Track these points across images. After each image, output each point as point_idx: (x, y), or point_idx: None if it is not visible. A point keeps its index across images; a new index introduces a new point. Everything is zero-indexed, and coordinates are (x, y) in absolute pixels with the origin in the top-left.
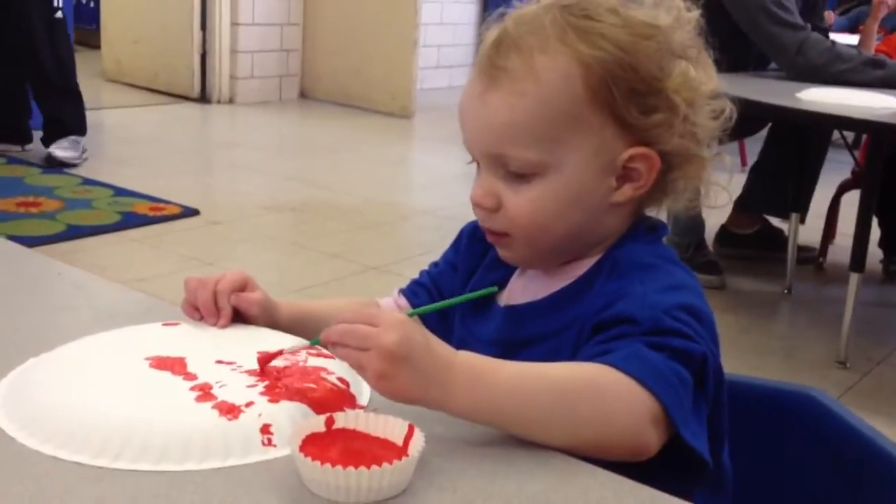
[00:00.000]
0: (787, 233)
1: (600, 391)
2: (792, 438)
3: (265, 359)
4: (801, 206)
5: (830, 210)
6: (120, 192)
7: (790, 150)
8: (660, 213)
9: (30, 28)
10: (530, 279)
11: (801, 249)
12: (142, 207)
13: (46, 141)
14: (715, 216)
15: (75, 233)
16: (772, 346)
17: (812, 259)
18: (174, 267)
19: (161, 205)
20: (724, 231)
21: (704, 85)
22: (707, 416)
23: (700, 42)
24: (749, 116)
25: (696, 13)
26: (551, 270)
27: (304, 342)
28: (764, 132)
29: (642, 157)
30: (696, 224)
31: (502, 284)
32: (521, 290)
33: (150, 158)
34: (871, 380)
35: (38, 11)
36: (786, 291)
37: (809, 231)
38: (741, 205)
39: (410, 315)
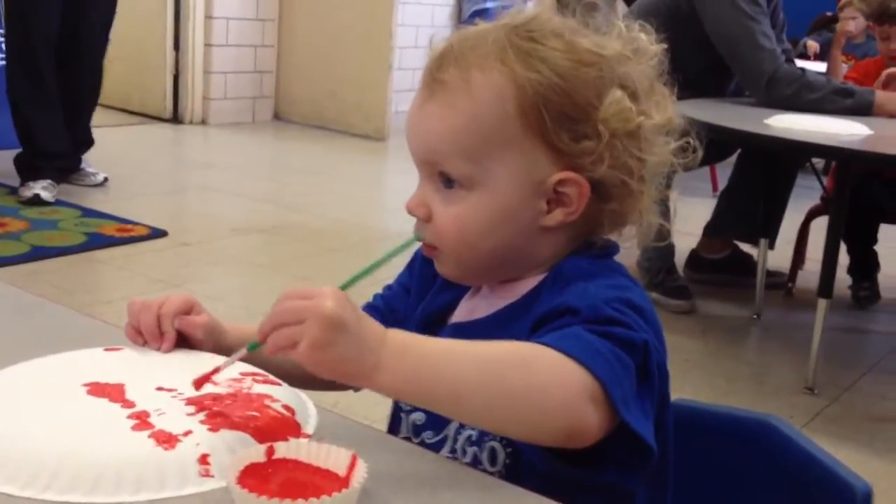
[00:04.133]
0: (756, 258)
1: (529, 363)
2: (751, 466)
3: (200, 381)
4: (770, 232)
5: (800, 235)
6: (88, 212)
7: (759, 175)
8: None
9: (94, 62)
10: (479, 299)
11: (771, 275)
12: (109, 229)
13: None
14: (685, 241)
15: (40, 253)
16: (741, 371)
17: (781, 284)
18: (141, 289)
19: (129, 226)
20: (694, 256)
21: (648, 118)
22: (653, 407)
23: (655, 75)
24: (718, 142)
25: (658, 47)
26: (498, 290)
27: (242, 352)
28: (734, 157)
29: (572, 182)
30: (666, 249)
31: (453, 306)
32: (470, 310)
33: (122, 179)
34: (839, 406)
35: (100, 46)
36: (755, 316)
37: (779, 256)
38: (711, 230)
39: (342, 288)
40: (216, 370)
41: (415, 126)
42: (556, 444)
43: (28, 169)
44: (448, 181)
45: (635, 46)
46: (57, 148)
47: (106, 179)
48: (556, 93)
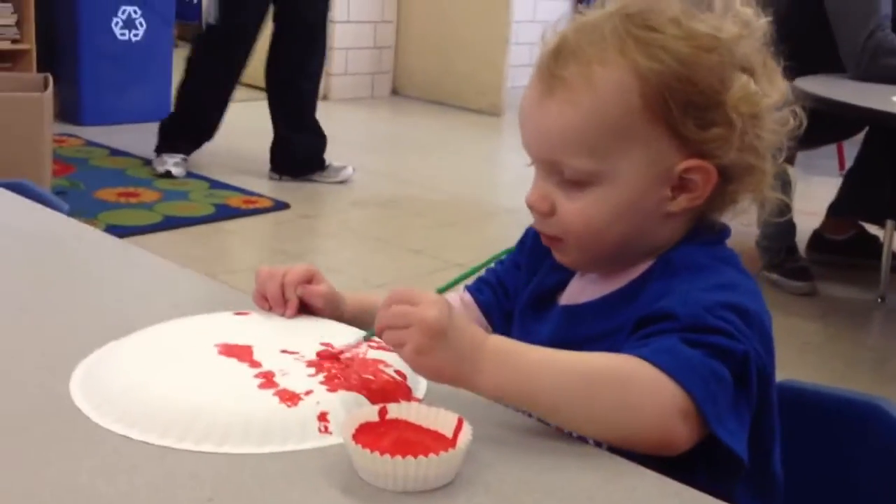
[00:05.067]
0: (882, 240)
1: (624, 380)
2: (858, 449)
3: (326, 356)
4: None
5: None
6: (216, 184)
7: (887, 154)
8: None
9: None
10: (589, 281)
11: None
12: (235, 200)
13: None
14: (808, 221)
15: (171, 223)
16: (861, 355)
17: None
18: (263, 259)
19: (254, 198)
20: (816, 236)
21: (768, 97)
22: (752, 416)
23: (767, 51)
24: (845, 120)
25: (764, 21)
26: (608, 273)
27: (360, 335)
28: (862, 135)
29: (699, 169)
30: (787, 229)
31: (563, 285)
32: (579, 291)
33: (247, 153)
34: None
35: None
36: (879, 300)
37: None
38: (835, 210)
39: (440, 291)
40: (341, 351)
41: (533, 123)
42: (647, 452)
43: (168, 138)
44: (571, 177)
45: (743, 24)
46: (204, 124)
47: (354, 171)
48: (680, 81)
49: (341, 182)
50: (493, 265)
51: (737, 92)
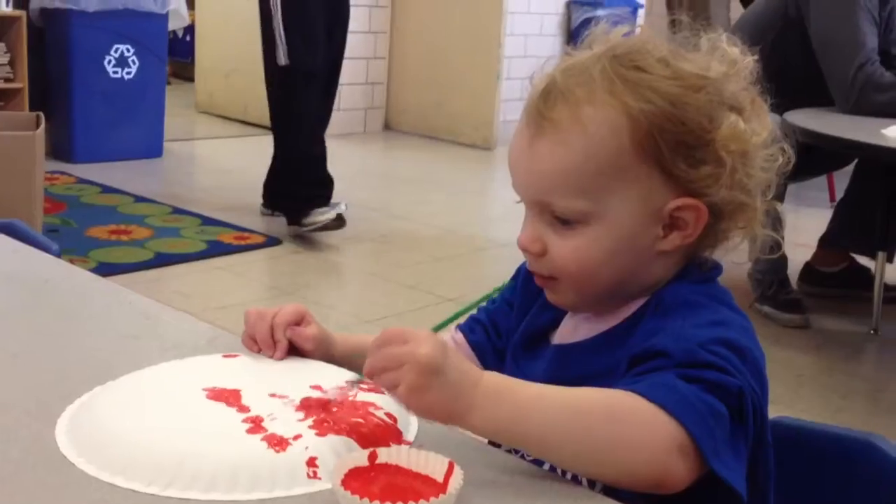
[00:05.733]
0: (873, 271)
1: (619, 416)
2: (848, 485)
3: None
4: (888, 244)
5: None
6: (207, 221)
7: (877, 185)
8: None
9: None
10: (581, 320)
11: (889, 289)
12: (227, 237)
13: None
14: (800, 253)
15: (163, 260)
16: (856, 387)
17: None
18: (256, 295)
19: (246, 234)
20: (808, 269)
21: (757, 135)
22: (748, 454)
23: (754, 89)
24: (834, 152)
25: (750, 59)
26: (601, 312)
27: (350, 377)
28: (852, 166)
29: (690, 208)
30: (779, 261)
31: (555, 324)
32: (571, 330)
33: (239, 188)
34: None
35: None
36: (872, 332)
37: None
38: (827, 242)
39: (434, 330)
40: (329, 401)
41: (523, 165)
42: (644, 491)
43: (305, 198)
44: (562, 217)
45: (731, 59)
46: (327, 174)
47: (346, 207)
48: (670, 121)
49: None
50: (484, 304)
51: (726, 130)
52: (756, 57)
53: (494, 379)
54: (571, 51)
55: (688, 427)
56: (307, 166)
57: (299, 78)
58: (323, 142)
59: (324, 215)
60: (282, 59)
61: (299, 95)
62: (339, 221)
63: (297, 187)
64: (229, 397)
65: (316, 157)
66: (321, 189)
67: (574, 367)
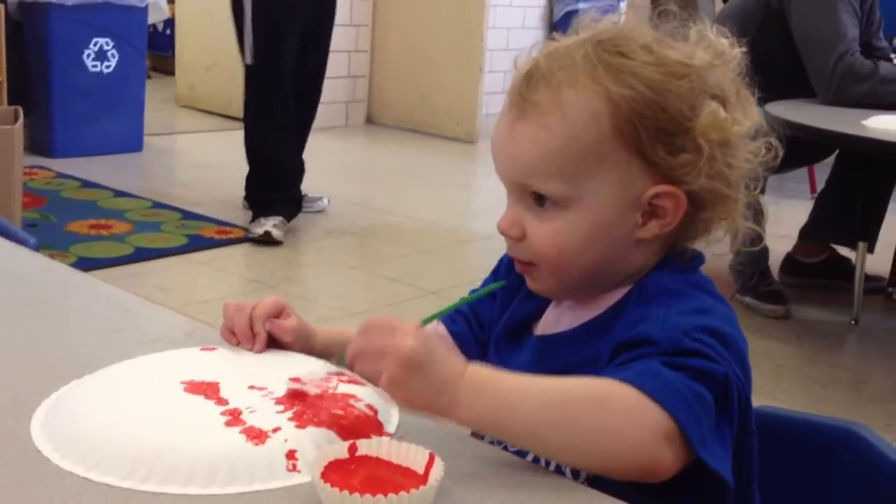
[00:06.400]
0: (854, 262)
1: (604, 404)
2: (831, 476)
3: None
4: (869, 235)
5: None
6: (188, 215)
7: (858, 176)
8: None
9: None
10: (564, 310)
11: (869, 279)
12: (208, 231)
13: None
14: (780, 244)
15: (143, 255)
16: (837, 377)
17: (880, 289)
18: (237, 289)
19: (227, 228)
20: (789, 259)
21: (740, 126)
22: (733, 440)
23: (741, 81)
24: (816, 143)
25: (739, 51)
26: (584, 301)
27: (330, 368)
28: (832, 158)
29: (668, 195)
30: (761, 253)
31: (538, 314)
32: (554, 321)
33: (220, 182)
34: None
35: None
36: (853, 322)
37: (878, 261)
38: (807, 233)
39: (423, 323)
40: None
41: (505, 148)
42: (631, 480)
43: (262, 204)
44: (541, 200)
45: (719, 51)
46: (294, 178)
47: (329, 202)
48: (651, 107)
49: (317, 212)
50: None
51: (706, 118)
52: (745, 49)
53: (479, 371)
54: (558, 36)
55: (675, 415)
56: (270, 170)
57: (264, 78)
58: (295, 156)
59: (261, 228)
60: (248, 57)
61: (264, 96)
62: (267, 237)
63: (256, 190)
64: (207, 390)
65: (285, 168)
66: (280, 199)
67: (557, 358)
